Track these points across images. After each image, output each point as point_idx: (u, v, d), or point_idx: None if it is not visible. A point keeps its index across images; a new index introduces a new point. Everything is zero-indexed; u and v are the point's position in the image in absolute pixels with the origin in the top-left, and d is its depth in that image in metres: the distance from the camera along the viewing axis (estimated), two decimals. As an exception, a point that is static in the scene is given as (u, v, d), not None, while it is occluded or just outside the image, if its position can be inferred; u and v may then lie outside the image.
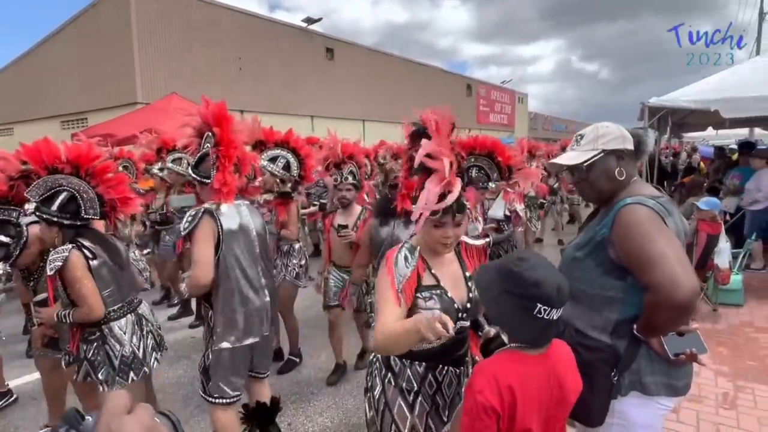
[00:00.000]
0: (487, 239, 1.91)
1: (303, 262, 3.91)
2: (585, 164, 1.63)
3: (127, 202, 2.33)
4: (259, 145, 3.79)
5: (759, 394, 3.26)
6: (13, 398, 3.52)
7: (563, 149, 5.92)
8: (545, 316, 1.26)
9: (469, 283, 1.71)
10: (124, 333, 2.27)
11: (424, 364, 1.70)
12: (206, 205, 2.34)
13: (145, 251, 6.32)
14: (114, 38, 16.06)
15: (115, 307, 2.26)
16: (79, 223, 2.18)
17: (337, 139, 3.65)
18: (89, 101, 17.01)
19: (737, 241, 6.05)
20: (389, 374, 1.73)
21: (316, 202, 6.20)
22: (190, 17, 17.35)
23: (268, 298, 2.53)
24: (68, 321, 2.17)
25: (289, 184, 3.82)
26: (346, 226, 3.36)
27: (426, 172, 1.59)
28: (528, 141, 7.04)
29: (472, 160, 3.49)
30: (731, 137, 11.78)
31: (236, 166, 3.19)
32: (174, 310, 5.37)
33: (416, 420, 1.70)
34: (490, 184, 3.49)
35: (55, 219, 2.11)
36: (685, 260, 1.45)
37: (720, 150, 9.58)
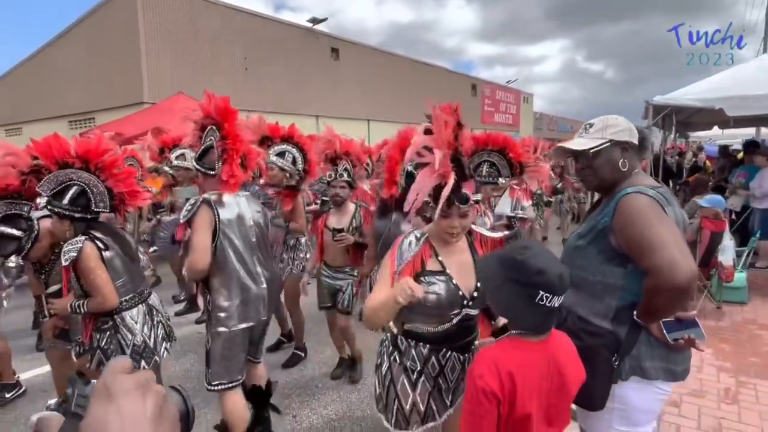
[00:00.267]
0: (506, 232, 1.96)
1: (309, 255, 3.96)
2: (591, 151, 1.69)
3: (135, 195, 2.39)
4: (266, 141, 3.86)
5: (761, 390, 3.27)
6: (21, 390, 3.59)
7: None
8: (547, 304, 1.29)
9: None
10: (136, 323, 2.32)
11: (428, 346, 1.76)
12: (205, 196, 2.43)
13: (150, 249, 6.41)
14: (121, 39, 16.19)
15: (127, 298, 2.31)
16: (89, 216, 2.22)
17: (335, 134, 3.67)
18: (97, 101, 17.16)
19: (743, 240, 6.04)
20: (395, 353, 1.81)
21: (321, 199, 6.26)
22: (196, 18, 17.46)
23: (264, 286, 2.61)
24: (82, 311, 2.21)
25: (295, 179, 3.87)
26: (342, 230, 3.33)
27: (423, 165, 1.65)
28: (534, 139, 7.03)
29: (485, 156, 3.51)
30: (738, 137, 11.71)
31: (242, 161, 3.30)
32: (181, 306, 5.45)
33: (417, 398, 1.76)
34: (500, 179, 3.49)
35: (67, 212, 2.16)
36: (684, 245, 1.49)
37: (724, 149, 9.55)
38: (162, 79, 15.82)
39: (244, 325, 2.50)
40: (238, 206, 2.54)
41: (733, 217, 6.71)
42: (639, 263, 1.51)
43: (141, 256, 3.61)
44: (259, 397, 2.68)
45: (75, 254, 2.09)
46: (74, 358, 2.62)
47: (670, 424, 2.90)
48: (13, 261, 2.36)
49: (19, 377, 3.66)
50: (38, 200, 2.18)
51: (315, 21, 22.29)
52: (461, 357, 1.80)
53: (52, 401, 0.64)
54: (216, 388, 2.48)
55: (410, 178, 2.41)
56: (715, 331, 4.37)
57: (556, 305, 1.32)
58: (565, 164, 7.94)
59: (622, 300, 1.60)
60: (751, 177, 6.38)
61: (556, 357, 1.41)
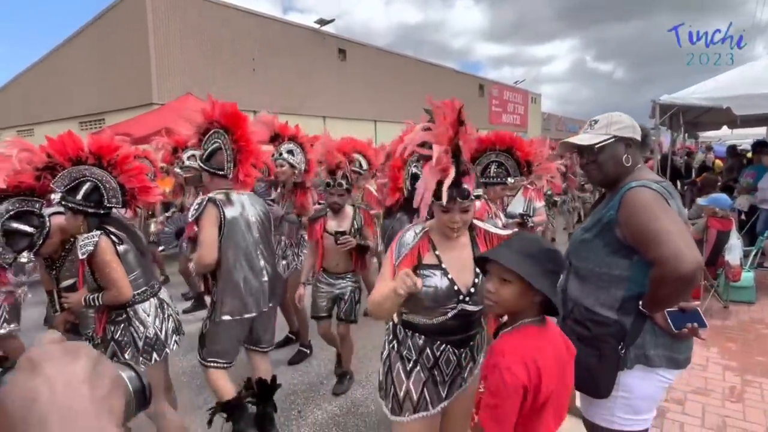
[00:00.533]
0: (515, 230, 1.99)
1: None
2: (596, 146, 1.74)
3: (147, 191, 2.44)
4: (277, 138, 3.96)
5: (767, 389, 3.26)
6: (34, 385, 3.65)
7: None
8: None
9: (477, 270, 1.74)
10: (148, 315, 2.36)
11: (423, 337, 1.79)
12: (210, 195, 2.58)
13: (159, 249, 6.48)
14: (131, 41, 16.37)
15: (140, 291, 2.35)
16: (102, 212, 2.27)
17: (331, 140, 3.58)
18: (107, 102, 17.36)
19: (752, 240, 6.01)
20: (394, 341, 1.87)
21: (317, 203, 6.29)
22: (204, 20, 17.60)
23: (266, 278, 2.77)
24: (97, 304, 2.25)
25: (301, 177, 3.96)
26: (344, 233, 3.22)
27: (426, 161, 1.68)
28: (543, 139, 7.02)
29: (492, 156, 3.52)
30: (749, 137, 11.62)
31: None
32: (188, 304, 5.51)
33: (411, 386, 1.80)
34: (509, 179, 3.51)
35: (80, 208, 2.20)
36: (688, 236, 1.54)
37: (732, 149, 9.47)
38: (171, 81, 15.97)
39: (246, 315, 2.68)
40: (242, 204, 2.70)
41: (743, 217, 6.68)
42: (645, 255, 1.56)
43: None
44: (264, 392, 2.76)
45: (92, 248, 2.14)
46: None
47: (674, 421, 2.90)
48: (25, 257, 2.41)
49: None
50: (52, 196, 2.22)
51: (322, 22, 22.39)
52: (456, 351, 1.81)
53: None
54: (210, 364, 2.66)
55: (415, 179, 2.44)
56: (721, 330, 4.36)
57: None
58: (570, 164, 7.92)
59: (627, 291, 1.64)
60: (759, 177, 6.34)
61: (557, 342, 1.44)
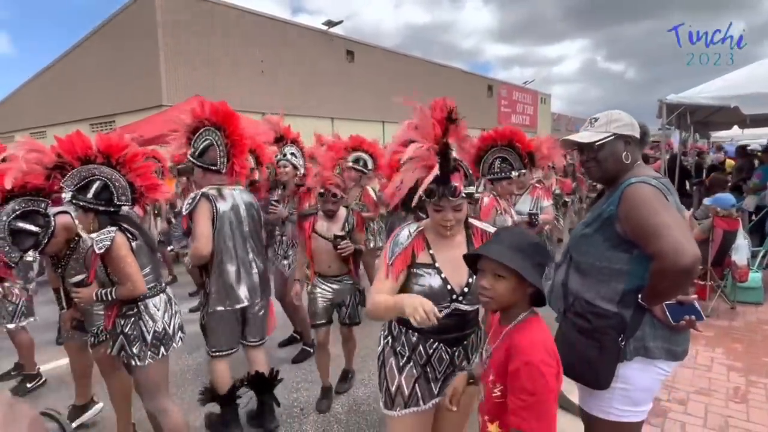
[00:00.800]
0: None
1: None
2: (596, 143, 1.77)
3: (155, 189, 2.48)
4: (281, 140, 4.03)
5: (772, 389, 3.23)
6: (42, 381, 3.74)
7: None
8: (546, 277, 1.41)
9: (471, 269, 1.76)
10: (158, 310, 2.40)
11: (416, 334, 1.81)
12: (203, 190, 2.73)
13: (168, 249, 6.56)
14: (140, 43, 16.57)
15: (150, 286, 2.39)
16: (113, 209, 2.31)
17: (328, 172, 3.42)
18: (117, 104, 17.59)
19: (761, 240, 5.94)
20: (389, 337, 1.90)
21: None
22: (214, 22, 17.77)
23: (256, 271, 2.92)
24: (109, 299, 2.28)
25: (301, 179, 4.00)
26: (344, 237, 3.10)
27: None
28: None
29: (497, 152, 3.57)
30: (762, 137, 11.45)
31: (257, 159, 3.53)
32: (195, 303, 5.56)
33: (402, 381, 1.81)
34: (513, 173, 3.52)
35: (91, 206, 2.25)
36: (687, 230, 1.58)
37: (742, 149, 9.36)
38: (180, 83, 16.14)
39: (237, 306, 2.84)
40: (234, 199, 2.84)
41: (754, 217, 6.61)
42: (645, 249, 1.58)
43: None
44: (262, 384, 2.96)
45: (109, 243, 2.17)
46: (89, 347, 2.73)
47: (675, 421, 2.89)
48: (30, 255, 2.45)
49: (40, 369, 3.81)
50: (63, 195, 2.26)
51: (330, 24, 22.49)
52: (450, 350, 1.82)
53: None
54: (216, 354, 2.86)
55: None
56: (728, 330, 4.32)
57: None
58: (579, 164, 7.88)
59: (627, 284, 1.67)
60: (766, 177, 6.27)
61: None
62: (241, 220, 2.85)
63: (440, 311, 1.71)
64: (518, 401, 1.29)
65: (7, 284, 3.49)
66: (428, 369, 1.82)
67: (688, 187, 9.02)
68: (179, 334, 2.55)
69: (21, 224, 2.38)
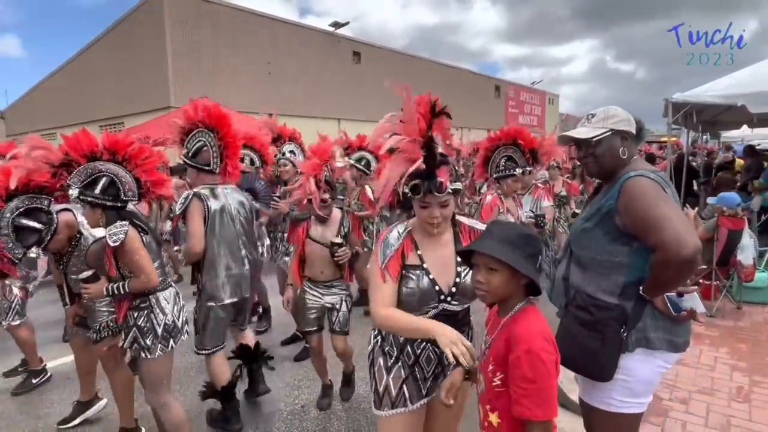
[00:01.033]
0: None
1: None
2: (594, 139, 1.80)
3: (161, 184, 2.49)
4: (279, 139, 4.05)
5: (775, 389, 3.20)
6: (47, 376, 3.80)
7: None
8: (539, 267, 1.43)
9: (459, 268, 1.74)
10: (168, 303, 2.44)
11: None
12: (195, 189, 2.86)
13: (175, 248, 6.62)
14: (149, 46, 16.73)
15: (160, 280, 2.42)
16: (119, 205, 2.34)
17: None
18: (126, 106, 17.78)
19: (769, 240, 5.88)
20: (378, 336, 1.89)
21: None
22: (221, 25, 17.90)
23: (247, 267, 3.04)
24: (121, 292, 2.30)
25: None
26: (342, 244, 2.96)
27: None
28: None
29: (502, 151, 3.61)
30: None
31: (261, 158, 3.54)
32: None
33: (390, 382, 1.80)
34: (517, 170, 3.54)
35: (99, 201, 2.27)
36: (687, 222, 1.60)
37: (750, 148, 9.26)
38: (188, 84, 16.27)
39: (228, 300, 2.95)
40: (225, 197, 2.96)
41: (765, 217, 6.54)
42: (646, 240, 1.60)
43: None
44: (247, 355, 3.24)
45: (123, 236, 2.21)
46: (93, 343, 2.76)
47: (676, 420, 2.87)
48: (34, 252, 2.49)
49: (45, 365, 3.86)
50: (70, 191, 2.28)
51: (337, 25, 22.56)
52: (437, 350, 1.78)
53: None
54: (202, 353, 2.94)
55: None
56: (733, 330, 4.28)
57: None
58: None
59: (628, 277, 1.69)
60: (772, 176, 6.21)
61: None
62: (232, 217, 2.95)
63: (428, 312, 1.73)
64: (519, 390, 1.32)
65: (7, 282, 3.55)
66: (416, 369, 1.80)
67: (696, 187, 8.95)
68: (185, 327, 2.58)
69: (24, 221, 2.42)
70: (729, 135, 13.10)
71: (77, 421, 3.14)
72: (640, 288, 1.66)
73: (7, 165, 2.42)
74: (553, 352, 1.35)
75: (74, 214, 2.69)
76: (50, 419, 3.25)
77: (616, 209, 1.68)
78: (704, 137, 13.01)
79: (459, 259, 1.75)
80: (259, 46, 19.17)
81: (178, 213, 2.80)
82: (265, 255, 4.92)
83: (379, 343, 1.88)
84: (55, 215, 2.54)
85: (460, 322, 1.81)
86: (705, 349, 3.85)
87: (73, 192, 2.23)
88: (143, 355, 2.37)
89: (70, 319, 2.86)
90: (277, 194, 4.05)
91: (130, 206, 2.44)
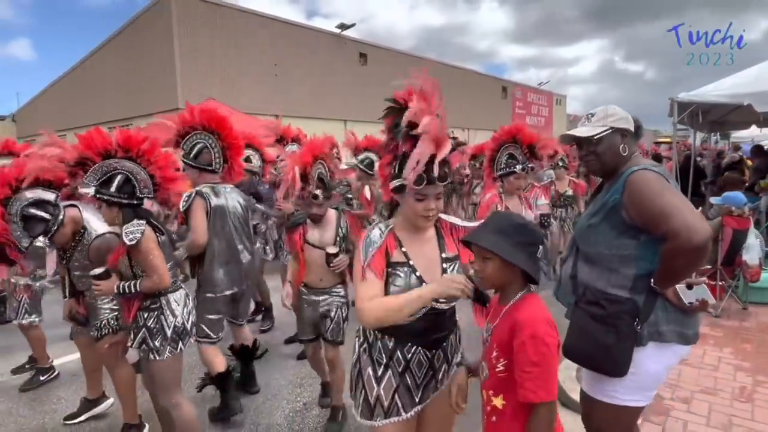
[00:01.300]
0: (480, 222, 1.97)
1: None
2: (595, 137, 1.83)
3: (175, 180, 2.49)
4: (281, 141, 4.09)
5: (779, 389, 3.18)
6: (55, 374, 3.86)
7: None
8: (539, 256, 1.47)
9: (444, 265, 1.73)
10: (178, 305, 2.44)
11: (393, 339, 1.73)
12: (197, 188, 3.02)
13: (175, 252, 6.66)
14: (157, 48, 16.90)
15: (171, 281, 2.42)
16: (135, 202, 2.35)
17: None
18: (134, 107, 17.95)
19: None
20: (365, 344, 1.80)
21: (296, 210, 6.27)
22: (229, 28, 18.04)
23: (245, 261, 3.22)
24: (133, 291, 2.30)
25: None
26: (338, 254, 2.81)
27: (410, 139, 1.60)
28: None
29: (505, 150, 3.65)
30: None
31: (262, 158, 3.61)
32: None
33: (382, 392, 1.73)
34: (517, 167, 3.56)
35: (115, 199, 2.28)
36: (695, 209, 1.61)
37: (758, 148, 9.18)
38: (195, 86, 16.41)
39: (228, 292, 3.12)
40: (225, 196, 3.15)
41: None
42: (656, 230, 1.61)
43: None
44: (246, 354, 3.44)
45: (140, 235, 2.22)
46: (95, 340, 2.80)
47: (677, 419, 2.86)
48: (41, 241, 2.55)
49: (53, 362, 3.92)
50: (86, 189, 2.29)
51: (343, 27, 22.65)
52: (428, 353, 1.75)
53: None
54: (201, 341, 3.05)
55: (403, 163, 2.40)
56: (738, 331, 4.25)
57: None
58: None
59: (638, 269, 1.70)
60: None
61: None
62: (231, 214, 3.14)
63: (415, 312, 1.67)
64: (524, 374, 1.36)
65: (12, 280, 3.62)
66: (407, 376, 1.74)
67: (703, 188, 8.87)
68: (193, 329, 2.59)
69: (33, 210, 2.49)
70: (739, 135, 12.98)
71: (83, 417, 3.19)
72: (651, 280, 1.67)
73: (22, 160, 2.47)
74: (555, 336, 1.39)
75: (79, 210, 2.74)
76: (57, 415, 3.30)
77: (622, 203, 1.70)
78: (714, 138, 12.93)
79: (443, 255, 1.75)
80: (266, 47, 19.28)
81: (181, 210, 2.90)
82: (270, 254, 4.96)
83: (366, 351, 1.78)
84: (62, 208, 2.59)
85: (446, 322, 1.80)
86: (709, 349, 3.83)
87: (89, 190, 2.23)
88: (152, 356, 2.36)
89: (66, 312, 2.91)
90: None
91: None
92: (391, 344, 1.73)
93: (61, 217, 2.57)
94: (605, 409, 1.79)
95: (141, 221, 2.29)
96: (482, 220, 1.62)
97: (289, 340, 4.44)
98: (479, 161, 6.73)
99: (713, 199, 4.87)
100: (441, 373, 1.81)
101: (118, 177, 2.29)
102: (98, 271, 2.35)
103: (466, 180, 7.19)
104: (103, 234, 2.72)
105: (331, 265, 2.80)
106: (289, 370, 3.90)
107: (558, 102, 42.83)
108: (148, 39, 17.44)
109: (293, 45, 20.38)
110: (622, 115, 1.87)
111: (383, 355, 1.74)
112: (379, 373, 1.74)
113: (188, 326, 2.50)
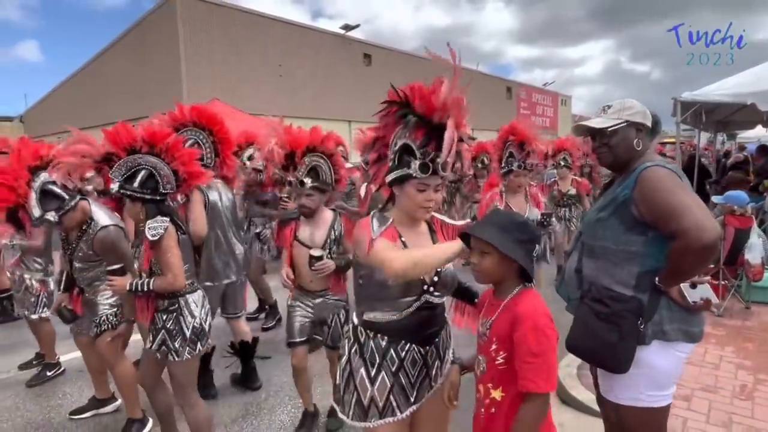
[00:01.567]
0: (468, 221, 2.00)
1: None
2: (609, 129, 1.82)
3: (198, 176, 2.50)
4: None
5: (780, 387, 3.18)
6: (61, 370, 3.92)
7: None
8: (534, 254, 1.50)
9: None
10: (196, 306, 2.43)
11: (386, 338, 1.72)
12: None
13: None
14: (162, 49, 17.03)
15: (189, 282, 2.42)
16: (158, 198, 2.35)
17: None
18: (140, 108, 17.99)
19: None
20: (356, 344, 1.77)
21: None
22: (233, 29, 18.14)
23: (238, 252, 3.50)
24: (146, 289, 2.29)
25: None
26: (321, 257, 2.67)
27: (421, 128, 1.61)
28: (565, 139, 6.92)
29: (506, 149, 3.71)
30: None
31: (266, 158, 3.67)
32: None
33: (376, 393, 1.71)
34: (514, 164, 3.59)
35: (138, 195, 2.29)
36: (705, 208, 1.61)
37: (763, 148, 9.13)
38: (200, 87, 16.51)
39: (224, 282, 3.41)
40: (218, 191, 3.38)
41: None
42: (666, 228, 1.61)
43: None
44: (246, 351, 3.58)
45: (162, 231, 2.23)
46: (93, 337, 2.84)
47: (677, 417, 2.86)
48: (51, 215, 2.61)
49: (59, 358, 3.97)
50: (111, 186, 2.31)
51: (347, 27, 22.71)
52: (422, 350, 1.75)
53: None
54: None
55: (403, 155, 2.32)
56: (740, 330, 4.25)
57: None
58: (596, 164, 7.80)
59: (643, 267, 1.70)
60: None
61: None
62: (224, 207, 3.39)
63: (411, 305, 1.70)
64: (525, 365, 1.40)
65: (26, 276, 3.68)
66: (401, 375, 1.72)
67: (707, 187, 8.85)
68: (210, 330, 2.57)
69: (52, 187, 2.65)
70: (745, 135, 12.91)
71: (89, 414, 3.23)
72: (656, 279, 1.67)
73: (55, 152, 2.71)
74: (555, 330, 1.43)
75: (89, 203, 2.83)
76: (62, 410, 3.35)
77: (633, 198, 1.70)
78: (720, 138, 12.86)
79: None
80: (270, 48, 19.37)
81: (181, 203, 2.88)
82: (270, 253, 4.98)
83: (357, 351, 1.75)
84: (77, 197, 2.73)
85: (438, 317, 1.81)
86: (710, 348, 3.83)
87: (114, 186, 2.24)
88: (170, 357, 2.36)
89: (55, 306, 2.97)
90: (285, 195, 4.10)
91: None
92: (384, 343, 1.72)
93: (76, 200, 2.71)
94: (634, 413, 1.77)
95: (165, 218, 2.28)
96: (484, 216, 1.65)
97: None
98: (480, 161, 6.76)
99: (715, 198, 4.86)
100: (434, 369, 1.81)
101: (142, 172, 2.29)
102: (114, 267, 2.37)
103: (467, 180, 7.19)
104: (107, 226, 2.75)
105: (313, 268, 2.67)
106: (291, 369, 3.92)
107: (563, 102, 42.73)
108: (153, 41, 17.58)
109: (298, 46, 20.47)
110: (639, 109, 1.84)
111: (376, 355, 1.72)
112: (373, 373, 1.71)
113: (206, 327, 2.47)
